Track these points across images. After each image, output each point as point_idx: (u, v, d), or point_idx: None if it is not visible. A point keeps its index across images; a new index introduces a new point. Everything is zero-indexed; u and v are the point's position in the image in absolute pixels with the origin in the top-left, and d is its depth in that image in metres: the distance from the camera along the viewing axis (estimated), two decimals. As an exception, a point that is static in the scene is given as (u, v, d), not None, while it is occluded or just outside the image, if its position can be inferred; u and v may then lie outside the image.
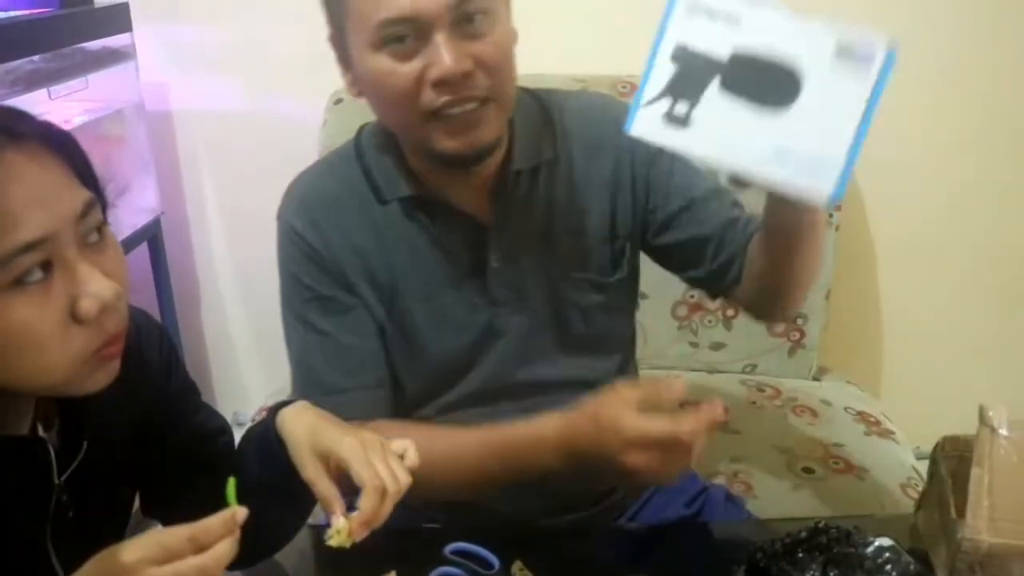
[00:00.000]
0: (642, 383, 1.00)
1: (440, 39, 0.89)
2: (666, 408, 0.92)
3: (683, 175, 1.07)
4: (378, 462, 0.74)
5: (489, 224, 1.03)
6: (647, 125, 0.71)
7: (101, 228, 0.68)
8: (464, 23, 0.90)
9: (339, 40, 0.97)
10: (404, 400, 1.09)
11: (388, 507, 0.73)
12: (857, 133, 0.66)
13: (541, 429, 0.95)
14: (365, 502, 0.72)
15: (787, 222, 0.94)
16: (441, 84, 0.90)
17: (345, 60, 0.98)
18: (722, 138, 0.69)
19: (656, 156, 1.06)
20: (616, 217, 1.08)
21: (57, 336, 0.64)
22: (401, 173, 1.02)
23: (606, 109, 1.09)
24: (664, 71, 0.70)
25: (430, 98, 0.91)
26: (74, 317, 0.65)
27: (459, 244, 1.03)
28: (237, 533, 0.64)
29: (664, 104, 0.70)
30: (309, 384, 1.04)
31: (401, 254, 1.03)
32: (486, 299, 1.05)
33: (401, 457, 0.78)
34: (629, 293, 1.15)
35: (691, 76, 0.69)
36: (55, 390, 0.69)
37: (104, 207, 0.70)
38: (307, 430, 0.78)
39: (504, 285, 1.04)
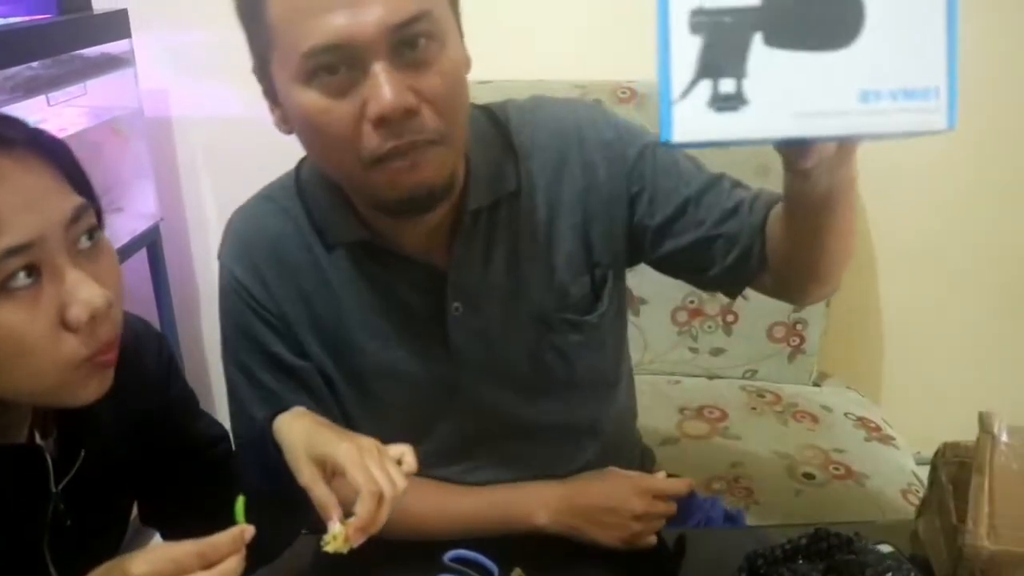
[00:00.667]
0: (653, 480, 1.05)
1: (378, 69, 0.76)
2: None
3: (668, 175, 0.96)
4: (375, 467, 0.74)
5: (446, 270, 0.93)
6: (692, 122, 0.54)
7: (94, 234, 0.68)
8: (405, 49, 0.77)
9: (263, 73, 0.85)
10: None
11: (385, 512, 0.73)
12: (948, 40, 0.54)
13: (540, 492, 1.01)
14: (361, 507, 0.72)
15: (815, 194, 0.77)
16: (382, 122, 0.77)
17: (271, 95, 0.86)
18: (793, 105, 0.54)
19: (635, 162, 0.96)
20: (592, 244, 0.98)
21: (47, 342, 0.64)
22: (345, 216, 0.92)
23: (567, 119, 0.97)
24: (687, 48, 0.54)
25: (374, 144, 0.78)
26: (64, 324, 0.64)
27: (413, 293, 0.94)
28: (244, 551, 0.64)
29: (704, 89, 0.54)
30: (251, 436, 0.91)
31: (349, 303, 0.94)
32: (446, 350, 0.96)
33: (399, 462, 0.78)
34: (613, 324, 1.05)
35: (724, 43, 0.54)
36: (48, 398, 0.69)
37: (99, 214, 0.69)
38: (304, 436, 0.78)
39: (468, 334, 0.96)
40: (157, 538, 0.92)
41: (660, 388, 1.74)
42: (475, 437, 1.02)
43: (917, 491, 1.44)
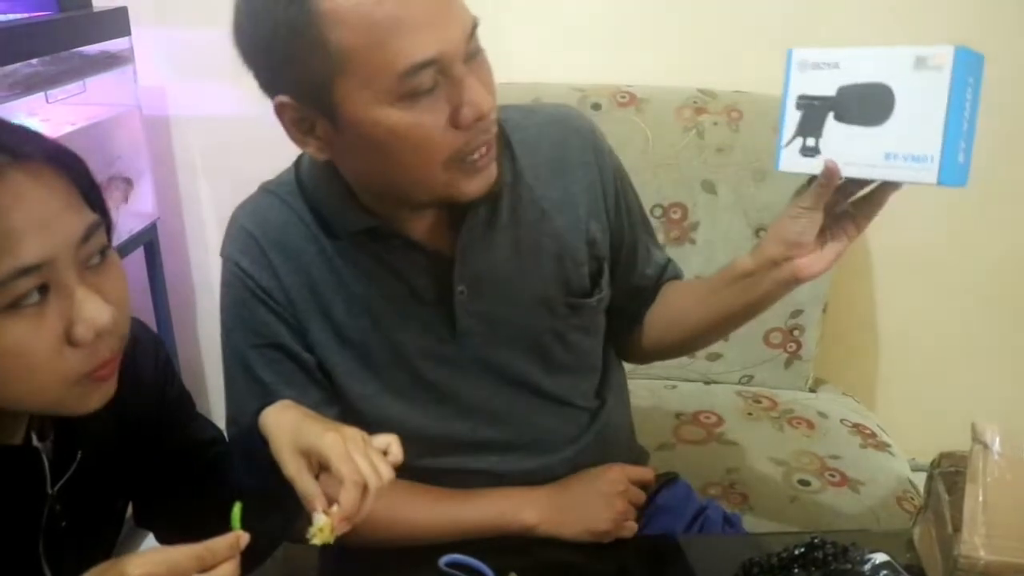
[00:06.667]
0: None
1: (463, 74, 0.82)
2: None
3: (632, 206, 1.09)
4: (359, 457, 0.74)
5: (452, 255, 0.96)
6: (790, 161, 0.89)
7: (104, 250, 0.67)
8: (472, 55, 0.84)
9: (320, 102, 0.83)
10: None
11: (370, 502, 0.73)
12: (948, 122, 0.80)
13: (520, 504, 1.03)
14: (345, 497, 0.72)
15: (766, 293, 0.96)
16: (477, 123, 0.83)
17: (323, 118, 0.85)
18: (842, 157, 0.86)
19: (615, 175, 1.06)
20: (594, 239, 1.04)
21: (50, 359, 0.63)
22: (352, 207, 0.94)
23: (567, 124, 1.04)
24: (793, 117, 0.89)
25: (460, 143, 0.84)
26: (69, 340, 0.64)
27: (420, 276, 0.97)
28: (239, 557, 0.65)
29: (798, 142, 0.89)
30: (243, 430, 0.90)
31: (357, 288, 0.96)
32: (452, 331, 0.99)
33: (385, 453, 0.78)
34: (603, 312, 1.11)
35: (812, 116, 0.87)
36: (50, 409, 0.68)
37: (109, 229, 0.69)
38: (289, 427, 0.78)
39: (472, 316, 0.99)
40: (150, 539, 0.92)
41: (657, 393, 1.74)
42: (478, 406, 1.04)
43: (912, 498, 1.44)
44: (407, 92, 0.80)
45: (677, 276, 1.16)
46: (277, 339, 0.97)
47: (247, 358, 0.97)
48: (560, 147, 1.02)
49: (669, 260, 1.16)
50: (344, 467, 0.73)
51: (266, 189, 1.00)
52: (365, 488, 0.73)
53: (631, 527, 1.05)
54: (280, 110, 0.86)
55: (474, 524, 1.02)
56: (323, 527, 0.72)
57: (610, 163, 1.06)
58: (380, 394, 1.00)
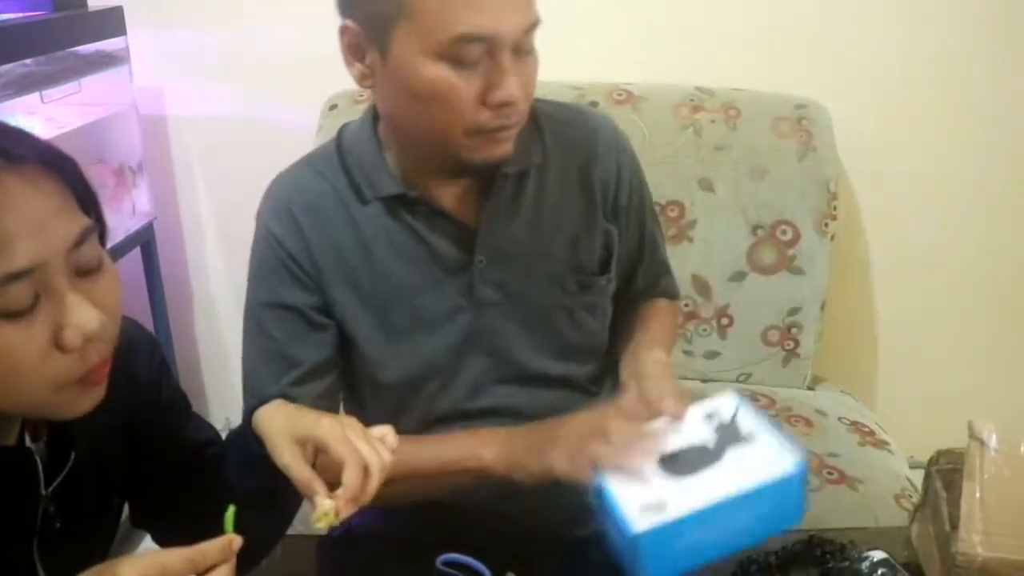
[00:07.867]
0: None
1: (507, 61, 0.89)
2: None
3: (643, 206, 1.13)
4: (357, 440, 0.74)
5: (475, 225, 1.02)
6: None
7: (98, 255, 0.67)
8: (521, 49, 0.91)
9: (377, 34, 0.91)
10: (385, 409, 1.07)
11: (374, 483, 0.74)
12: (702, 514, 0.74)
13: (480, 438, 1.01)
14: (347, 477, 0.73)
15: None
16: (502, 106, 0.90)
17: (375, 50, 0.92)
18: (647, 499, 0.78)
19: (633, 180, 1.10)
20: (608, 229, 1.10)
21: (37, 363, 0.63)
22: (384, 173, 1.01)
23: (595, 121, 1.11)
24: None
25: (484, 118, 0.91)
26: (57, 346, 0.63)
27: (444, 243, 1.02)
28: (234, 560, 0.65)
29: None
30: (247, 389, 1.04)
31: (382, 253, 1.02)
32: (469, 299, 1.03)
33: (381, 441, 0.78)
34: (609, 296, 1.15)
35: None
36: (38, 412, 0.68)
37: (103, 233, 0.69)
38: (284, 419, 0.79)
39: (489, 286, 1.04)
40: (147, 540, 0.91)
41: (654, 391, 1.74)
42: (486, 384, 1.07)
43: (910, 496, 1.44)
44: (452, 56, 0.88)
45: (667, 293, 1.20)
46: (296, 302, 1.02)
47: (261, 315, 1.03)
48: (586, 141, 1.08)
49: (667, 272, 1.21)
50: (342, 447, 0.74)
51: (303, 162, 1.07)
52: (367, 470, 0.73)
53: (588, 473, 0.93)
54: (343, 31, 0.95)
55: (438, 464, 1.00)
56: (328, 511, 0.72)
57: (630, 164, 1.11)
58: (396, 359, 1.04)
